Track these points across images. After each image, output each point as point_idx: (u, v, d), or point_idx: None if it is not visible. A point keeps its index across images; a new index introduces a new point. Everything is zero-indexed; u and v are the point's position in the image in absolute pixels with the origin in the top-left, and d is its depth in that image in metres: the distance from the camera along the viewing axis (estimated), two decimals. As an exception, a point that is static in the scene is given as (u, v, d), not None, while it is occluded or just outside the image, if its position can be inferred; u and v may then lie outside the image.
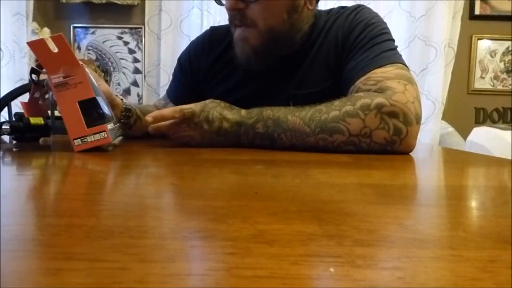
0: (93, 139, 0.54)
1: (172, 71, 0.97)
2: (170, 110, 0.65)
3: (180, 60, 0.92)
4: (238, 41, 0.74)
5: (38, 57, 0.54)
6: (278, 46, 0.75)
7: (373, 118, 0.57)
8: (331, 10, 0.81)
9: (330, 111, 0.59)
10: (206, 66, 0.86)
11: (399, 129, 0.57)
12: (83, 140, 0.53)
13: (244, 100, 0.69)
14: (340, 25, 0.75)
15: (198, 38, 0.92)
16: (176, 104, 0.82)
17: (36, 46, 0.53)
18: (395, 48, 0.72)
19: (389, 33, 0.74)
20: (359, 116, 0.57)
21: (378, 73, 0.65)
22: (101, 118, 0.55)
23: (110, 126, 0.56)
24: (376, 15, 0.76)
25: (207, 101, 0.66)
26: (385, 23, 0.75)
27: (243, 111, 0.66)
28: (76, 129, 0.54)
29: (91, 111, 0.55)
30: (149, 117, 0.64)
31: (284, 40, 0.75)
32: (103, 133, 0.54)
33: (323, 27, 0.78)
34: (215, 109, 0.65)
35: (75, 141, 0.54)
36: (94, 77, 0.59)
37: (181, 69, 0.91)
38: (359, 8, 0.77)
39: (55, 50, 0.53)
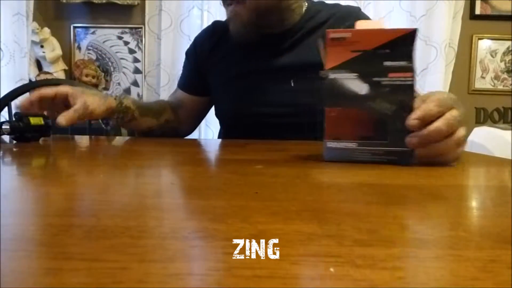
0: None
1: (172, 70, 1.00)
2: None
3: (187, 51, 1.00)
4: (231, 18, 0.83)
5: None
6: (267, 21, 0.82)
7: None
8: (326, 4, 0.93)
9: None
10: (209, 47, 0.94)
11: None
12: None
13: (242, 74, 0.79)
14: (333, 13, 0.86)
15: (202, 30, 1.02)
16: (185, 89, 0.94)
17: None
18: None
19: None
20: None
21: None
22: None
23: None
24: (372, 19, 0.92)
25: None
26: None
27: None
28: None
29: None
30: (414, 120, 0.43)
31: (275, 15, 0.83)
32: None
33: (317, 13, 0.87)
34: None
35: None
36: None
37: (187, 57, 0.99)
38: (357, 7, 0.90)
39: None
